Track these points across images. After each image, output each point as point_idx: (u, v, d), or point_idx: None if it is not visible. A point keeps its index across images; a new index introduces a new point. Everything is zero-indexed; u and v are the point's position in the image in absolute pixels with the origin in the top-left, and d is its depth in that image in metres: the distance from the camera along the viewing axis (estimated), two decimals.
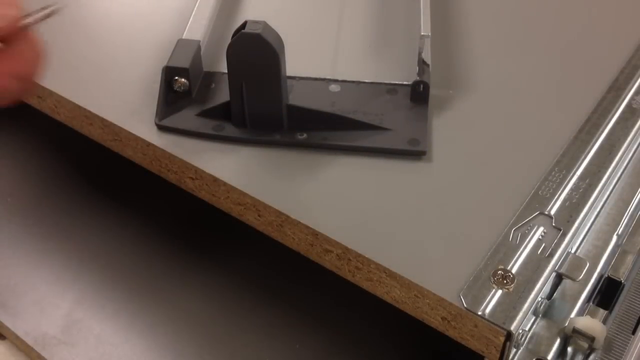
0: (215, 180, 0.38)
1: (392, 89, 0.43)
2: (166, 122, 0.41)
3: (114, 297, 0.49)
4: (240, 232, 0.50)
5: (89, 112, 0.42)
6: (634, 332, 0.36)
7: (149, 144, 0.40)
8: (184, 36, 0.44)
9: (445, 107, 0.42)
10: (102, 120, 0.42)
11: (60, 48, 0.47)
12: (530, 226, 0.35)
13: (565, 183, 0.38)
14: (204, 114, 0.41)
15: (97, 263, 0.51)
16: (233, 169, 0.38)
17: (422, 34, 0.44)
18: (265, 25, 0.37)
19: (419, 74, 0.42)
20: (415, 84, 0.41)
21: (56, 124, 0.45)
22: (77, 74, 0.45)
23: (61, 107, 0.44)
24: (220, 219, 0.42)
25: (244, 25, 0.37)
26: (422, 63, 0.42)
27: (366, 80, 0.43)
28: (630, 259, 0.39)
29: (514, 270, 0.33)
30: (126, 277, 0.50)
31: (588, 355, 0.35)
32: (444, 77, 0.44)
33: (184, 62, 0.41)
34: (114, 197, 0.55)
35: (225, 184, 0.38)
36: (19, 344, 0.48)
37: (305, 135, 0.40)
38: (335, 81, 0.43)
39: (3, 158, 0.59)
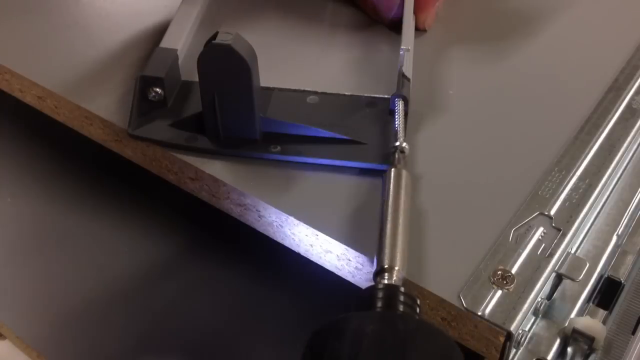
0: (216, 180, 0.38)
1: (371, 101, 0.41)
2: (139, 132, 0.40)
3: (115, 296, 0.49)
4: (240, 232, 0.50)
5: (89, 112, 0.42)
6: (633, 333, 0.36)
7: (149, 145, 0.40)
8: (162, 44, 0.43)
9: (439, 110, 0.42)
10: (102, 120, 0.42)
11: (60, 48, 0.47)
12: (530, 226, 0.35)
13: (565, 183, 0.38)
14: (177, 125, 0.40)
15: (98, 262, 0.51)
16: (231, 171, 0.38)
17: (402, 47, 0.43)
18: (236, 35, 0.36)
19: (398, 88, 0.41)
20: (394, 98, 0.40)
21: (56, 124, 0.45)
22: (77, 74, 0.45)
23: (61, 107, 0.44)
24: (220, 218, 0.42)
25: (215, 36, 0.36)
26: (402, 77, 0.41)
27: (346, 93, 0.42)
28: (630, 259, 0.39)
29: (513, 271, 0.33)
30: (127, 277, 0.50)
31: (588, 356, 0.35)
32: (436, 79, 0.44)
33: (159, 72, 0.40)
34: (114, 198, 0.55)
35: (225, 184, 0.38)
36: (19, 344, 0.48)
37: (279, 148, 0.39)
38: (315, 93, 0.42)
39: (3, 158, 0.59)
